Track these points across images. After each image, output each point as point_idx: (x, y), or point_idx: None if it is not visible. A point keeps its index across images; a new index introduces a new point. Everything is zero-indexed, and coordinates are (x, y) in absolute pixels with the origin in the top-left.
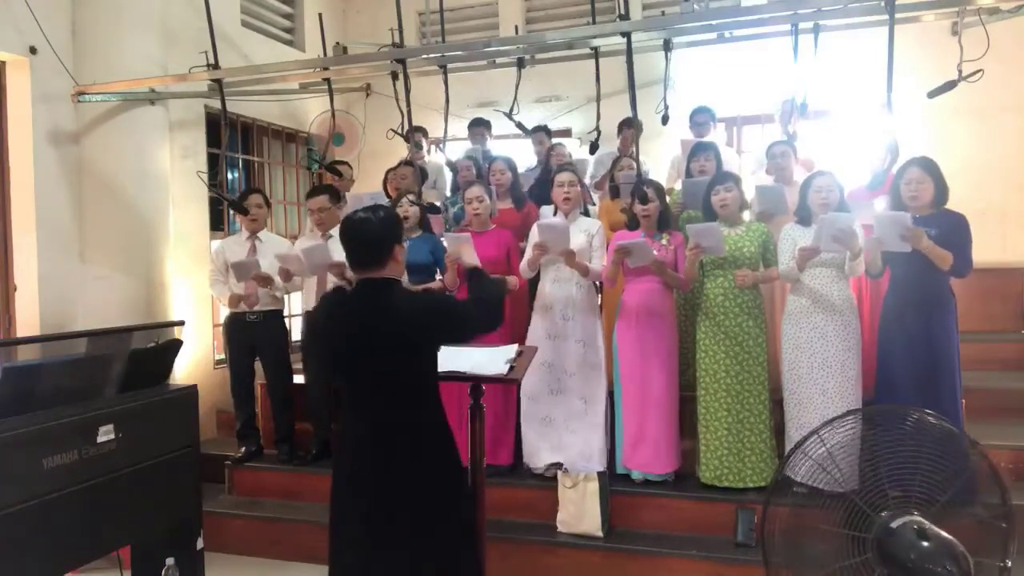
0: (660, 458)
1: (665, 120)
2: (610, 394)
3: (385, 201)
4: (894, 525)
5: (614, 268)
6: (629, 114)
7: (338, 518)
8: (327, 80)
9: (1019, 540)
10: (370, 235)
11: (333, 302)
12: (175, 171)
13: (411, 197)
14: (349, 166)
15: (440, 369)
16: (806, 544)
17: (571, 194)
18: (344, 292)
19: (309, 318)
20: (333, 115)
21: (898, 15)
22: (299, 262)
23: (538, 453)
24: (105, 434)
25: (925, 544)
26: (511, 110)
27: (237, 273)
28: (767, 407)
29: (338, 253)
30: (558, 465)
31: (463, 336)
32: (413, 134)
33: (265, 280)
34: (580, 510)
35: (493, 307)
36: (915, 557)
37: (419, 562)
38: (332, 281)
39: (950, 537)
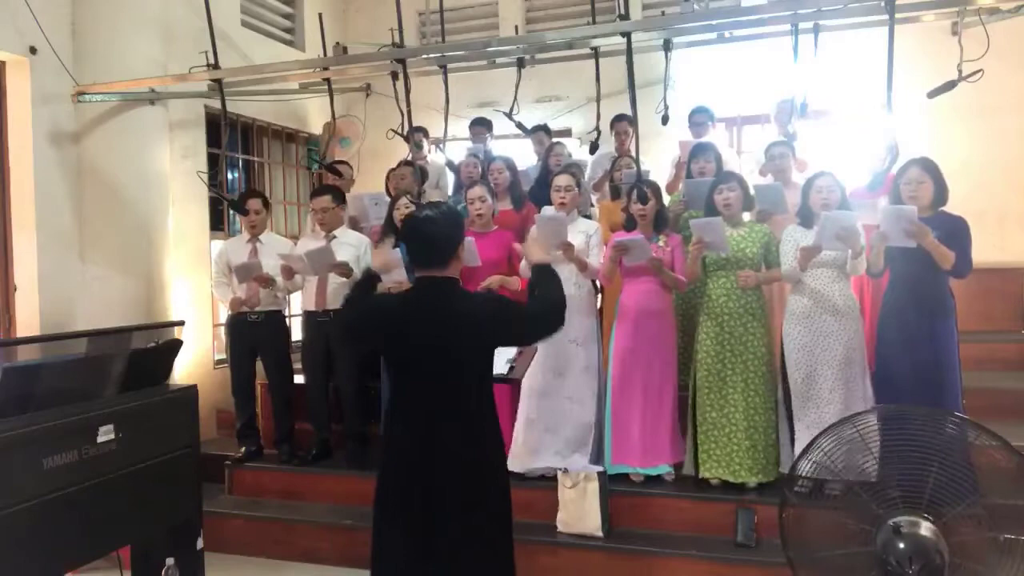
0: (651, 453)
1: (665, 120)
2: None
3: (386, 200)
4: (891, 523)
5: (611, 265)
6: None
7: (381, 518)
8: (327, 80)
9: None
10: (437, 234)
11: (395, 301)
12: (175, 171)
13: (410, 197)
14: (349, 166)
15: None
16: (817, 532)
17: (566, 199)
18: (403, 293)
19: (382, 314)
20: (333, 117)
21: (898, 15)
22: (302, 261)
23: (528, 454)
24: (105, 434)
25: (901, 545)
26: (511, 110)
27: (239, 275)
28: (768, 406)
29: (341, 254)
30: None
31: (525, 340)
32: (413, 134)
33: (267, 281)
34: (580, 510)
35: (557, 310)
36: (894, 559)
37: (461, 550)
38: (334, 281)
39: (928, 536)
